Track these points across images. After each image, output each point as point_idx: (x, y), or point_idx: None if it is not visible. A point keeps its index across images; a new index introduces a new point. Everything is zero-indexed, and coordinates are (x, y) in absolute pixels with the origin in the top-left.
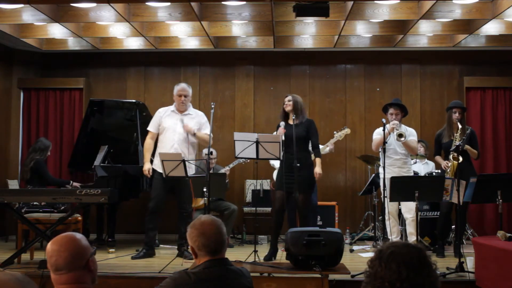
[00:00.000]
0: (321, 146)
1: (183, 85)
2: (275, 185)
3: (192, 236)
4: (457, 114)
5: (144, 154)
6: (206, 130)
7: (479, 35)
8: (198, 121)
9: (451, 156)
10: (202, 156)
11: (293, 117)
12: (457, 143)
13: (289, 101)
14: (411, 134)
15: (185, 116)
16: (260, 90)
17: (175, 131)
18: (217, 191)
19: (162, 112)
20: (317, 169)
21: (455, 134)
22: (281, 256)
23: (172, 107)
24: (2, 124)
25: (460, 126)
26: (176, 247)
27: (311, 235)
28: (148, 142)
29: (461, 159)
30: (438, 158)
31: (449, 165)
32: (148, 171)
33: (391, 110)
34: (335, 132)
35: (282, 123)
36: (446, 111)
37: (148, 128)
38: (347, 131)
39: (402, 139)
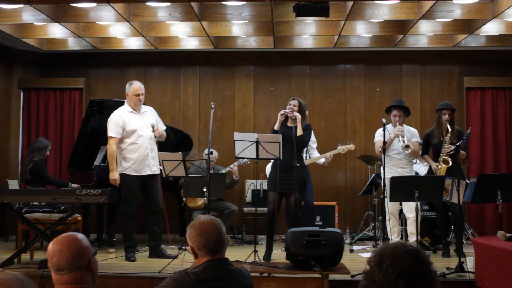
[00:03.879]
0: (317, 155)
1: (140, 84)
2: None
3: (192, 236)
4: (446, 116)
5: (111, 162)
6: (162, 125)
7: (479, 35)
8: (155, 118)
9: (441, 160)
10: (202, 156)
11: (292, 118)
12: (447, 145)
13: (294, 106)
14: (414, 135)
15: (143, 114)
16: (260, 90)
17: (143, 130)
18: (217, 191)
19: (123, 115)
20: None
21: (445, 137)
22: (280, 255)
23: (128, 108)
24: (2, 124)
25: (450, 129)
26: (153, 247)
27: (311, 235)
28: (114, 149)
29: (451, 163)
30: (426, 157)
31: (439, 167)
32: (116, 181)
33: (394, 112)
34: (339, 144)
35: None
36: (435, 112)
37: (112, 134)
38: (351, 146)
39: (409, 150)
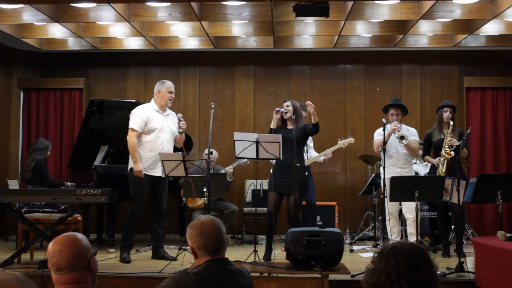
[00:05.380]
0: (315, 154)
1: (171, 82)
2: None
3: (192, 236)
4: (448, 113)
5: (133, 154)
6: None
7: (479, 35)
8: (176, 122)
9: (443, 151)
10: (202, 156)
11: (293, 118)
12: (449, 138)
13: (287, 106)
14: (413, 134)
15: (167, 117)
16: (260, 90)
17: (164, 131)
18: (217, 191)
19: (149, 111)
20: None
21: (447, 131)
22: (280, 255)
23: (154, 107)
24: (2, 124)
25: (451, 122)
26: (153, 248)
27: (311, 235)
28: (135, 141)
29: (453, 153)
30: (428, 158)
31: (441, 160)
32: (141, 172)
33: (391, 111)
34: (339, 139)
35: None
36: (436, 112)
37: (134, 127)
38: (351, 140)
39: (404, 141)
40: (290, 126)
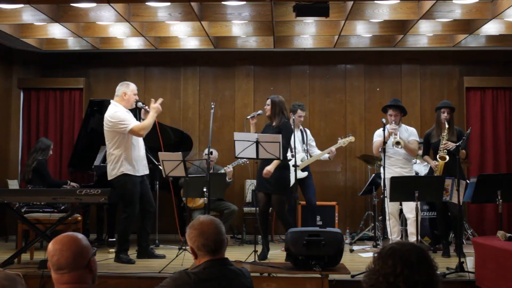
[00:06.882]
0: (318, 152)
1: (134, 84)
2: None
3: (192, 237)
4: (445, 114)
5: (150, 122)
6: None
7: (479, 35)
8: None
9: (438, 156)
10: (202, 156)
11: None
12: (444, 141)
13: (267, 105)
14: (412, 134)
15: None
16: (260, 90)
17: None
18: (217, 191)
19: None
20: (269, 167)
21: (442, 134)
22: (280, 255)
23: (124, 108)
24: (2, 124)
25: (447, 126)
26: (145, 248)
27: (311, 235)
28: (138, 124)
29: (447, 158)
30: (427, 158)
31: (436, 164)
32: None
33: (390, 112)
34: (339, 138)
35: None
36: (435, 111)
37: (133, 123)
38: (351, 139)
39: (399, 146)
40: (273, 123)
